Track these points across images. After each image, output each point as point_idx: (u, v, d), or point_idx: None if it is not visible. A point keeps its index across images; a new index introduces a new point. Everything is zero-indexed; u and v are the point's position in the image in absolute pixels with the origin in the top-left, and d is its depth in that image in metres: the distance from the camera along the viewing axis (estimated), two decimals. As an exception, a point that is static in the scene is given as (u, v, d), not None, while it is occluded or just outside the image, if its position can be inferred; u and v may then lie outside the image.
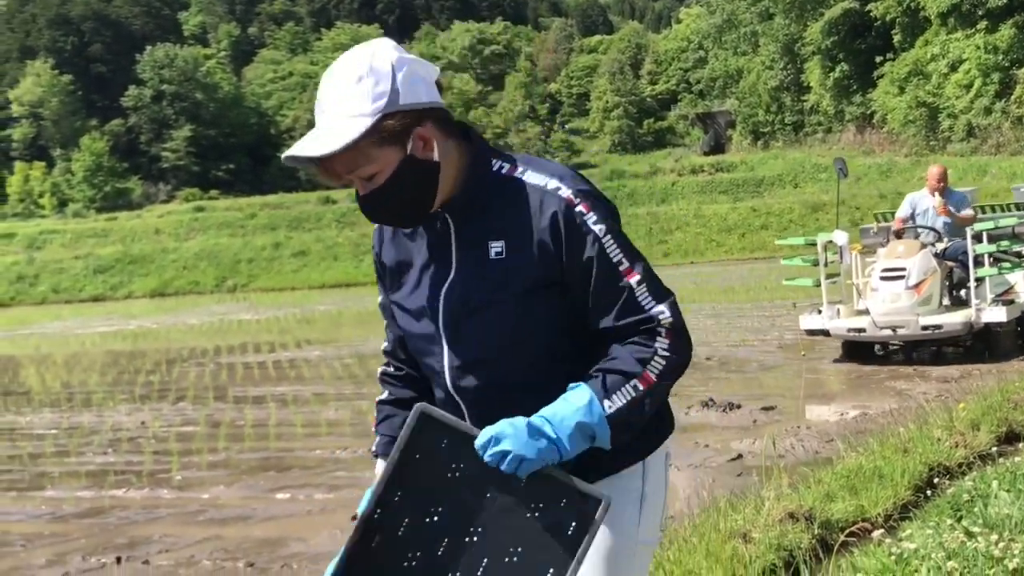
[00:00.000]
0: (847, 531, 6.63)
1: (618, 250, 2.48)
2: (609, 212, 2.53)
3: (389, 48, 2.46)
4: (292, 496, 9.73)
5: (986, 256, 14.23)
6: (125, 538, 8.68)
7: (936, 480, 7.48)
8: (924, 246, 14.38)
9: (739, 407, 12.25)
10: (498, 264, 2.50)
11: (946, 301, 14.64)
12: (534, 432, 2.33)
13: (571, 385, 2.44)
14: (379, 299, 2.81)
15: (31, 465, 12.48)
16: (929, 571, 5.19)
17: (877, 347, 15.33)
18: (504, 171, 2.55)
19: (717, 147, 72.86)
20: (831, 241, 15.01)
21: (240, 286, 55.74)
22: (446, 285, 2.56)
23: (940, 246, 14.63)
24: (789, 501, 7.04)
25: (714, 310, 25.03)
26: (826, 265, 15.34)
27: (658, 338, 2.47)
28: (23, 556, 8.36)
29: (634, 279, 2.47)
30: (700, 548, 6.25)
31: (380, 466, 2.73)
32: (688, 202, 55.57)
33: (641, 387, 2.42)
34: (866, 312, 14.52)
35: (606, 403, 2.40)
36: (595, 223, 2.48)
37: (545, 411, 2.38)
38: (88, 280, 58.97)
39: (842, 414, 11.39)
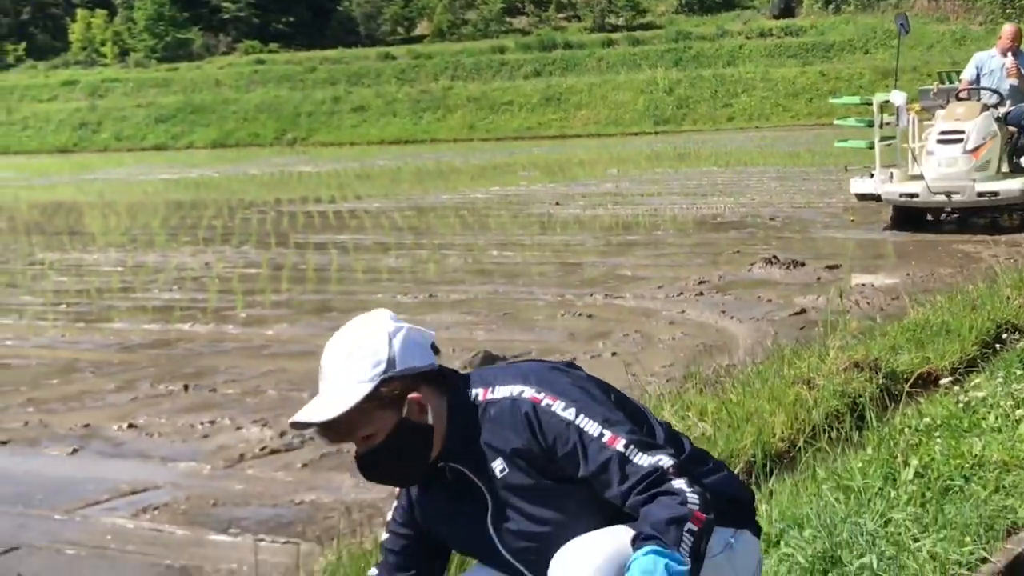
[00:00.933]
0: (912, 382, 6.62)
1: (596, 425, 2.57)
2: (575, 392, 2.64)
3: (386, 319, 2.66)
4: (354, 335, 9.81)
5: None
6: (192, 368, 8.84)
7: (1004, 336, 7.39)
8: (985, 108, 13.76)
9: (803, 265, 12.13)
10: (507, 479, 2.65)
11: (1005, 167, 14.03)
12: None
13: (652, 550, 2.41)
14: (384, 538, 2.95)
15: (98, 299, 12.69)
16: (997, 419, 5.15)
17: (929, 215, 14.78)
18: (479, 398, 2.70)
19: (787, 10, 70.87)
20: (887, 101, 14.40)
21: (299, 139, 55.86)
22: (489, 519, 2.71)
23: (1002, 110, 13.98)
24: (854, 351, 6.99)
25: (779, 173, 24.72)
26: (881, 127, 14.69)
27: (673, 482, 2.53)
28: (93, 381, 8.55)
29: (620, 444, 2.56)
30: (763, 392, 6.24)
31: None
32: (755, 65, 54.46)
33: (695, 527, 2.47)
34: (920, 177, 13.93)
35: (681, 557, 2.43)
36: (564, 409, 2.59)
37: None
38: (150, 129, 59.38)
39: (908, 274, 11.25)
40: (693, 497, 2.48)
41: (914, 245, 13.58)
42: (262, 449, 6.39)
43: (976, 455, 4.53)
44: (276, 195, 26.64)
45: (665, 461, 2.53)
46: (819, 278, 11.49)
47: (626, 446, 2.54)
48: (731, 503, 2.73)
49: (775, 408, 5.95)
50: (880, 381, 6.49)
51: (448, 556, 3.07)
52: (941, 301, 8.51)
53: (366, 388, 2.55)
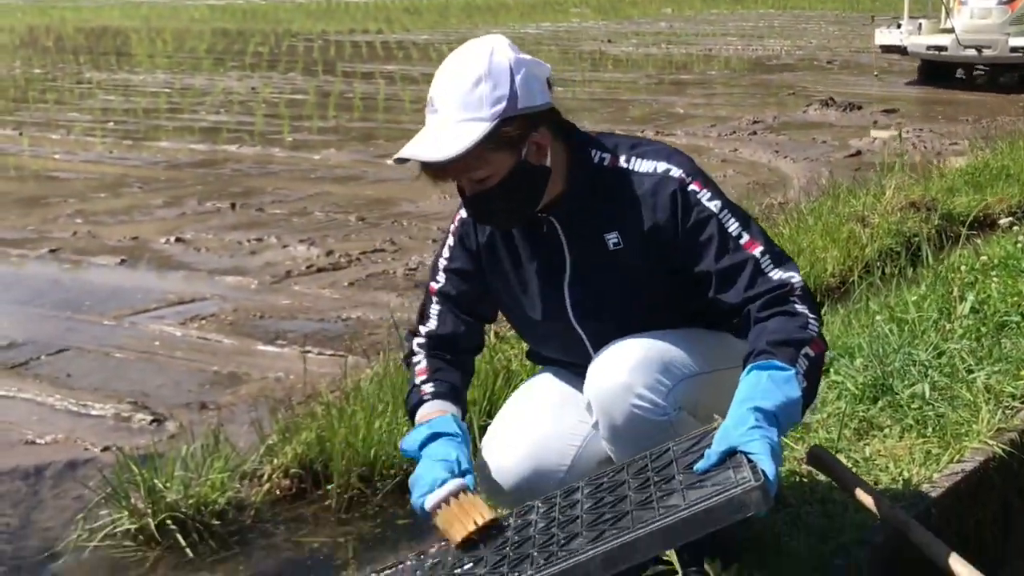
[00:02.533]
0: (968, 223, 6.49)
1: (736, 224, 2.40)
2: (717, 187, 2.46)
3: (506, 47, 2.35)
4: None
5: None
6: (239, 188, 8.82)
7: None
8: None
9: (859, 108, 11.88)
10: (618, 253, 2.45)
11: None
12: (776, 449, 2.12)
13: (755, 365, 2.24)
14: (436, 285, 2.62)
15: (145, 119, 12.66)
16: (1057, 259, 5.03)
17: (959, 71, 14.07)
18: (607, 163, 2.47)
19: None
20: None
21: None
22: (566, 282, 2.51)
23: None
24: (911, 191, 6.86)
25: (837, 17, 24.04)
26: None
27: (797, 303, 2.36)
28: (141, 196, 8.56)
29: (758, 250, 2.39)
30: (816, 228, 6.15)
31: (440, 405, 2.50)
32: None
33: (812, 353, 2.30)
34: (951, 31, 13.28)
35: (798, 378, 2.25)
36: (710, 200, 2.41)
37: (764, 401, 2.17)
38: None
39: (968, 120, 10.97)
40: (815, 323, 2.33)
41: (975, 95, 13.22)
42: (309, 267, 6.39)
43: (1034, 293, 4.43)
44: (323, 25, 26.28)
45: (796, 279, 2.37)
46: (875, 121, 11.26)
47: (762, 254, 2.38)
48: None
49: (828, 244, 5.87)
50: (936, 222, 6.38)
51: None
52: (1001, 147, 8.30)
53: (484, 127, 2.27)
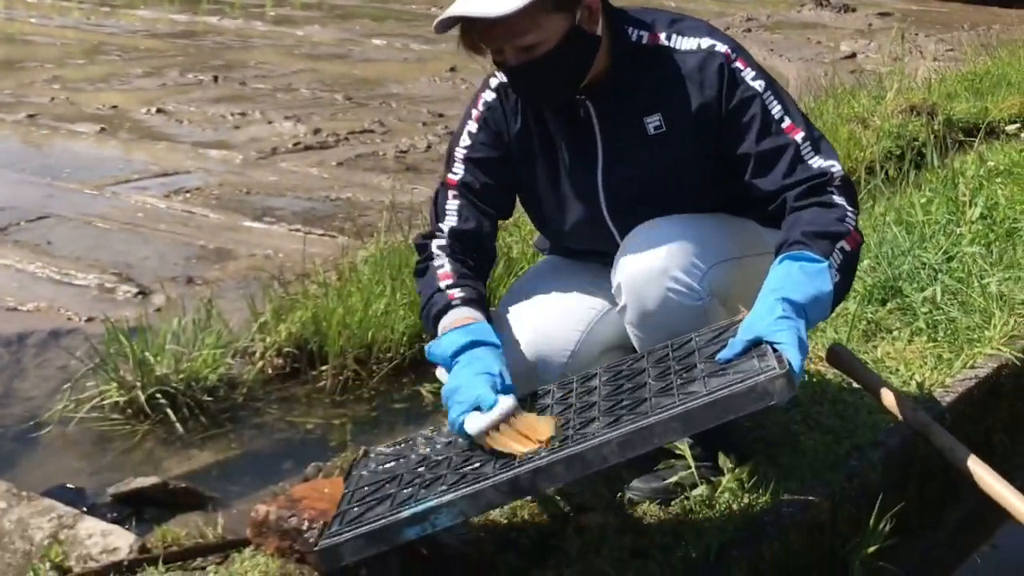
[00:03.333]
0: (968, 130, 6.39)
1: (779, 106, 2.28)
2: (762, 68, 2.33)
3: None
4: (388, 43, 9.51)
5: None
6: (221, 60, 8.58)
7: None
8: None
9: (854, 10, 11.66)
10: (659, 138, 2.32)
11: None
12: (803, 341, 2.02)
13: (787, 255, 2.13)
14: (455, 177, 2.41)
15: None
16: (1060, 170, 4.95)
17: None
18: (645, 40, 2.31)
19: None
20: None
21: None
22: (599, 171, 2.37)
23: None
24: (911, 95, 6.73)
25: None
26: None
27: (835, 194, 2.23)
28: (119, 65, 8.32)
29: (799, 135, 2.27)
30: (817, 127, 6.02)
31: (471, 312, 2.26)
32: None
33: (848, 248, 2.19)
34: None
35: (832, 272, 2.14)
36: (754, 79, 2.28)
37: (794, 293, 2.06)
38: None
39: (965, 26, 10.80)
40: (852, 216, 2.23)
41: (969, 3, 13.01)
42: (295, 144, 6.23)
43: (1043, 202, 4.36)
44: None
45: (836, 168, 2.26)
46: (870, 24, 11.06)
47: (803, 139, 2.26)
48: None
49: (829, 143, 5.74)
50: (936, 127, 6.26)
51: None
52: (1002, 54, 8.16)
53: None
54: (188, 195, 5.26)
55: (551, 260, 2.71)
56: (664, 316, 2.28)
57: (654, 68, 2.31)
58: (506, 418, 2.04)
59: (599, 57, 2.29)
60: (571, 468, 1.90)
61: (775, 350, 1.97)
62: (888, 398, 2.44)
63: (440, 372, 2.23)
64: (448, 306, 2.28)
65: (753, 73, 2.29)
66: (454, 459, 2.09)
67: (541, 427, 2.03)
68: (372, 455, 2.28)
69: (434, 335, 2.26)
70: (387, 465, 2.20)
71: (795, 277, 2.10)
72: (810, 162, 2.26)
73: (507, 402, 2.06)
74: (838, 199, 2.25)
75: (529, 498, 2.46)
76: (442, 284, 2.33)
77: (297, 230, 4.73)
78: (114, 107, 6.94)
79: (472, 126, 2.44)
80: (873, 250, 3.84)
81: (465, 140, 2.44)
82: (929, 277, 3.63)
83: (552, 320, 2.53)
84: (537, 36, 2.18)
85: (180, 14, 10.59)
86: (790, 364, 1.94)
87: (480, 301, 2.32)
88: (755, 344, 2.00)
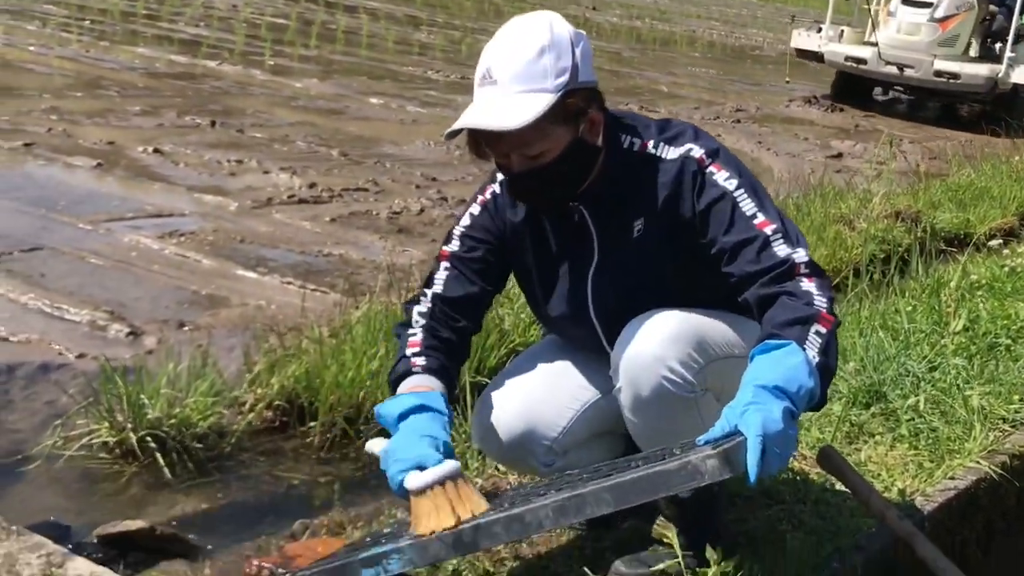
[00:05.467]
0: (950, 241, 6.55)
1: (752, 203, 2.35)
2: (738, 166, 2.41)
3: (562, 20, 2.32)
4: (385, 103, 9.61)
5: None
6: (219, 105, 8.64)
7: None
8: None
9: (842, 110, 11.89)
10: (641, 241, 2.42)
11: (974, 50, 11.94)
12: (773, 421, 2.02)
13: (755, 351, 2.16)
14: (450, 249, 2.54)
15: (122, 22, 12.36)
16: (1042, 287, 5.06)
17: (878, 90, 12.75)
18: (636, 148, 2.43)
19: None
20: None
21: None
22: (591, 271, 2.48)
23: None
24: (897, 200, 6.89)
25: (819, 15, 24.06)
26: None
27: (802, 281, 2.29)
28: (118, 101, 8.36)
29: (769, 228, 2.33)
30: (804, 224, 6.14)
31: (428, 381, 2.36)
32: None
33: (823, 329, 2.22)
34: (875, 44, 11.78)
35: (809, 352, 2.15)
36: (727, 180, 2.36)
37: (778, 379, 2.08)
38: None
39: (948, 138, 11.04)
40: (820, 299, 2.26)
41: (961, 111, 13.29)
42: (290, 197, 6.27)
43: (1023, 319, 4.46)
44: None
45: (800, 256, 2.31)
46: (857, 125, 11.30)
47: (774, 232, 2.32)
48: None
49: (816, 243, 5.86)
50: (920, 234, 6.40)
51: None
52: (985, 168, 8.36)
53: (550, 98, 2.22)
54: (182, 238, 5.28)
55: (551, 339, 2.78)
56: (656, 404, 2.35)
57: (641, 175, 2.42)
58: (447, 480, 2.11)
59: (600, 165, 2.41)
60: (509, 529, 1.98)
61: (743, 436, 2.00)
62: (876, 504, 2.50)
63: (370, 444, 2.28)
64: (408, 372, 2.39)
65: (727, 175, 2.37)
66: None
67: (475, 500, 2.10)
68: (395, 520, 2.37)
69: None
70: (392, 527, 2.27)
71: (764, 366, 2.13)
72: (776, 250, 2.32)
73: (452, 465, 2.14)
74: (805, 285, 2.28)
75: None
76: (408, 352, 2.44)
77: (290, 283, 4.76)
78: (111, 143, 6.96)
79: (475, 208, 2.58)
80: (859, 352, 3.92)
81: (466, 220, 2.58)
82: (913, 385, 3.71)
83: (547, 394, 2.61)
84: (543, 147, 2.29)
85: (179, 55, 10.65)
86: (744, 446, 1.97)
87: (441, 371, 2.41)
88: (733, 432, 2.03)
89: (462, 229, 2.56)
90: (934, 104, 12.58)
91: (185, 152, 6.99)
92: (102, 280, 4.61)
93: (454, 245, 2.56)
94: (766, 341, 2.18)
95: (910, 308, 4.43)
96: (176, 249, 5.12)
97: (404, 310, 2.55)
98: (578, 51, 2.29)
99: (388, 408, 2.27)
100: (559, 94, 2.24)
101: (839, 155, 9.56)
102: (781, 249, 2.32)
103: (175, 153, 6.93)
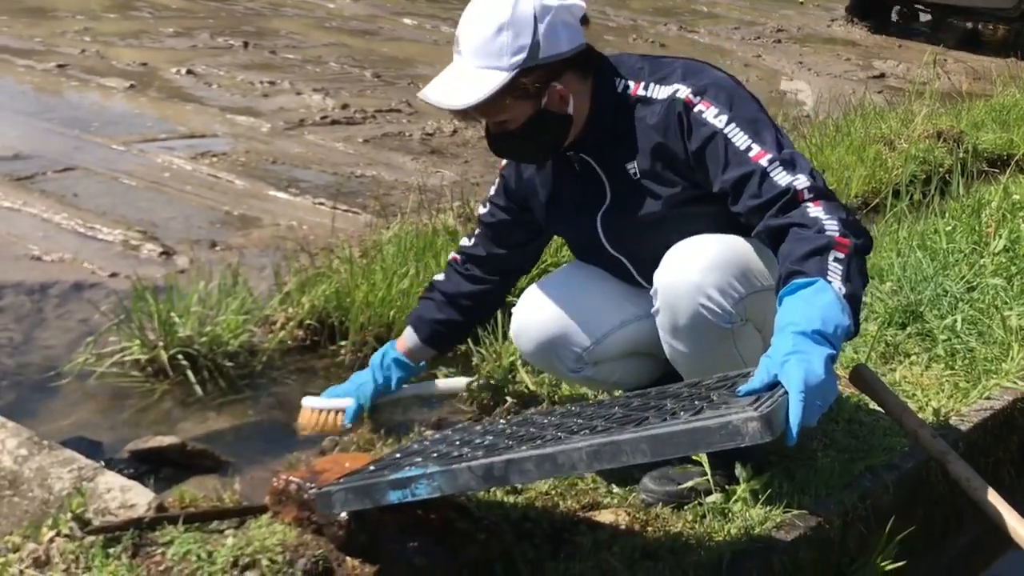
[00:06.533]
0: (992, 161, 6.42)
1: (744, 136, 2.32)
2: (730, 99, 2.37)
3: None
4: (419, 23, 9.52)
5: None
6: (252, 27, 8.59)
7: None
8: None
9: (888, 31, 11.65)
10: (640, 183, 2.45)
11: None
12: (814, 372, 1.96)
13: (782, 293, 2.11)
14: (482, 212, 2.83)
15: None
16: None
17: (896, 11, 12.05)
18: (629, 90, 2.45)
19: None
20: None
21: None
22: (600, 214, 2.54)
23: None
24: (939, 120, 6.75)
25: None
26: None
27: (808, 206, 2.22)
28: (151, 23, 8.33)
29: (765, 159, 2.30)
30: (843, 143, 6.04)
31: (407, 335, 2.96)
32: None
33: (841, 255, 2.14)
34: None
35: (835, 285, 2.09)
36: (716, 116, 2.34)
37: (814, 321, 2.02)
38: None
39: (1000, 53, 10.78)
40: (831, 223, 2.19)
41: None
42: (323, 118, 6.23)
43: (1066, 239, 4.37)
44: None
45: (802, 181, 2.26)
46: (900, 45, 11.05)
47: (770, 161, 2.28)
48: None
49: (855, 162, 5.76)
50: (962, 155, 6.27)
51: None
52: (1032, 88, 8.17)
53: (502, 77, 2.29)
54: (215, 159, 5.27)
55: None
56: (692, 331, 2.33)
57: (630, 118, 2.43)
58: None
59: (580, 113, 2.44)
60: (541, 466, 1.93)
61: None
62: (909, 423, 2.47)
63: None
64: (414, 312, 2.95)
65: (716, 111, 2.34)
66: (458, 442, 2.20)
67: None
68: (424, 436, 2.36)
69: None
70: (421, 444, 2.27)
71: (796, 308, 2.08)
72: (777, 180, 2.28)
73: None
74: (812, 211, 2.23)
75: (545, 492, 2.49)
76: (423, 295, 2.94)
77: (322, 204, 4.74)
78: (144, 64, 6.94)
79: (502, 173, 2.78)
80: (896, 273, 3.87)
81: (494, 186, 2.80)
82: (950, 305, 3.66)
83: (589, 303, 2.67)
84: (504, 116, 2.39)
85: (214, -24, 10.57)
86: (785, 407, 1.91)
87: (432, 321, 2.89)
88: (774, 383, 1.98)
89: (491, 192, 2.81)
90: (959, 25, 11.84)
91: (218, 73, 6.96)
92: (135, 200, 4.61)
93: (486, 206, 2.81)
94: (792, 280, 2.12)
95: (949, 228, 4.35)
96: (208, 170, 5.10)
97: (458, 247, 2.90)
98: (542, 27, 2.31)
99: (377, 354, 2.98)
100: (513, 73, 2.29)
101: (881, 75, 9.39)
102: (782, 178, 2.28)
103: (208, 74, 6.90)
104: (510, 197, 2.75)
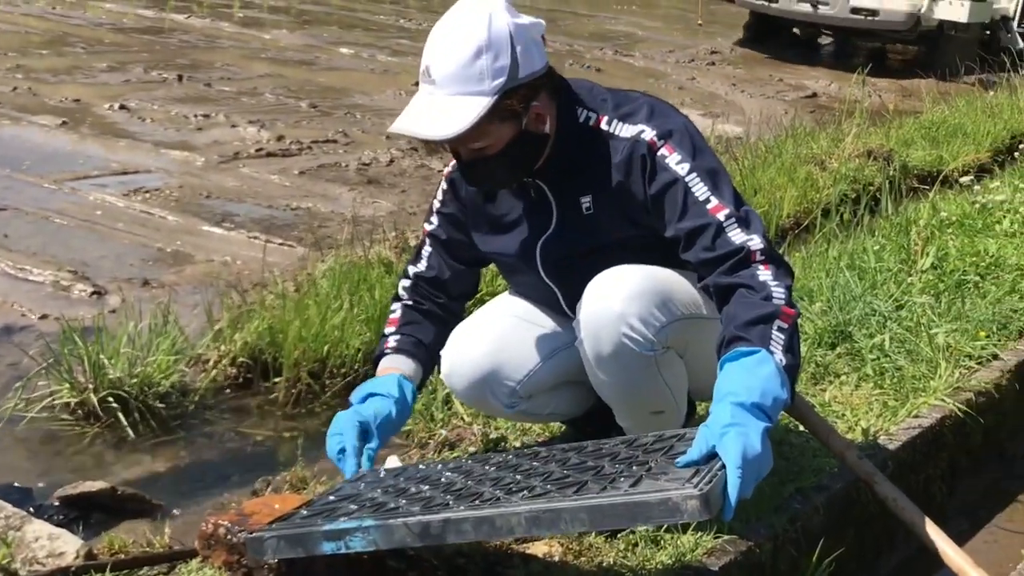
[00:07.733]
0: (922, 179, 6.53)
1: (704, 187, 2.32)
2: (692, 147, 2.36)
3: (503, 10, 2.24)
4: (355, 53, 9.52)
5: None
6: (186, 59, 8.55)
7: (1021, 146, 7.24)
8: None
9: (819, 53, 11.82)
10: (591, 218, 2.41)
11: None
12: (752, 447, 1.96)
13: (725, 359, 2.12)
14: (429, 227, 2.63)
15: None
16: (1012, 224, 5.05)
17: (797, 29, 11.86)
18: (591, 123, 2.40)
19: None
20: None
21: None
22: (543, 238, 2.48)
23: None
24: (869, 139, 6.85)
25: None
26: None
27: (758, 268, 2.25)
28: (84, 58, 8.26)
29: (723, 213, 2.29)
30: (774, 164, 6.12)
31: (396, 361, 2.54)
32: None
33: (785, 324, 2.17)
34: None
35: (776, 357, 2.11)
36: (679, 163, 2.33)
37: (754, 393, 2.03)
38: None
39: (925, 73, 10.97)
40: (779, 290, 2.21)
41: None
42: (258, 150, 6.21)
43: (992, 255, 4.45)
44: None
45: (755, 242, 2.27)
46: (833, 66, 11.21)
47: (727, 217, 2.29)
48: None
49: (787, 183, 5.83)
50: (892, 173, 6.37)
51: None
52: (959, 103, 8.32)
53: (486, 102, 2.19)
54: (147, 195, 5.23)
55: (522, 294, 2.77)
56: (616, 360, 2.34)
57: (592, 151, 2.39)
58: None
59: (550, 145, 2.38)
60: (479, 528, 1.91)
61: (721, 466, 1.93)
62: (836, 444, 2.50)
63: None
64: (382, 354, 2.56)
65: (678, 158, 2.33)
66: (392, 490, 2.16)
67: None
68: (359, 475, 2.33)
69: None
70: (355, 488, 2.24)
71: (737, 377, 2.08)
72: (732, 237, 2.29)
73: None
74: (762, 275, 2.25)
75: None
76: (386, 331, 2.61)
77: (256, 238, 4.73)
78: (76, 100, 6.89)
79: (444, 183, 2.63)
80: (825, 293, 3.91)
81: (439, 195, 2.63)
82: (879, 324, 3.70)
83: (516, 337, 2.64)
84: (485, 142, 2.28)
85: (147, 10, 10.53)
86: (723, 482, 1.90)
87: (415, 347, 2.57)
88: (712, 454, 1.96)
89: (438, 204, 2.63)
90: (862, 47, 11.81)
91: (152, 107, 6.92)
92: (66, 240, 4.57)
93: (433, 222, 2.63)
94: (735, 347, 2.14)
95: (878, 247, 4.41)
96: (141, 206, 5.07)
97: (399, 278, 2.68)
98: (519, 47, 2.22)
99: (355, 394, 2.46)
100: (495, 96, 2.20)
101: (813, 95, 9.52)
102: (736, 235, 2.28)
103: (141, 109, 6.86)
104: (459, 208, 2.61)
